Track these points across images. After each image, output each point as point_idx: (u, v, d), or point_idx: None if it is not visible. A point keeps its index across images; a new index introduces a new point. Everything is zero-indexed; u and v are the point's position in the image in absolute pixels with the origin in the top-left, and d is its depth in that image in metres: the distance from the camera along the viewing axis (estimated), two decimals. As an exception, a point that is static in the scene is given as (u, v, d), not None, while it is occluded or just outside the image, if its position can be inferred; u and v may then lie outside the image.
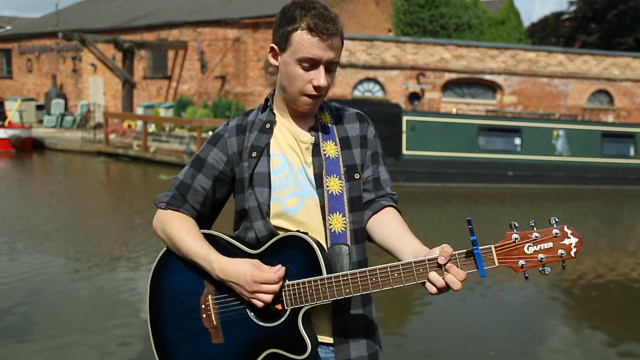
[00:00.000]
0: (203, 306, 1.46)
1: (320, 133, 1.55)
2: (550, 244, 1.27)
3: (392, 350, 4.17)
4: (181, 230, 1.49)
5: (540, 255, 1.26)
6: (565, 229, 1.27)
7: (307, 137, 1.55)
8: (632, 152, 13.65)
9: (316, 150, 1.53)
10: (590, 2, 26.47)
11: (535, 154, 13.04)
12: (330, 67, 1.45)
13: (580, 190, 12.95)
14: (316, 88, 1.45)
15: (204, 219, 1.57)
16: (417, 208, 10.15)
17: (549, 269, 1.28)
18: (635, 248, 8.17)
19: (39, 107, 22.68)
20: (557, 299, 5.62)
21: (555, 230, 1.27)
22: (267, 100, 1.60)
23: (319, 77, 1.43)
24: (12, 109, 18.33)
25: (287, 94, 1.52)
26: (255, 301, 1.38)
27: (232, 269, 1.40)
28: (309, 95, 1.46)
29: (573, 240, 1.27)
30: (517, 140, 13.08)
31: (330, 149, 1.53)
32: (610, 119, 18.66)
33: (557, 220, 1.27)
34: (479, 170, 12.73)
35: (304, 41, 1.41)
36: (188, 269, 1.47)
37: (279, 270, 1.38)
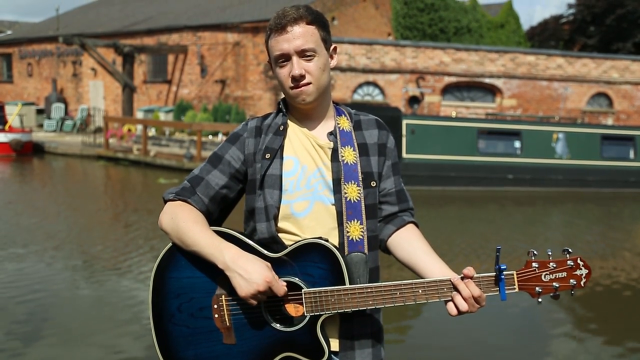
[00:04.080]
0: (215, 306, 1.44)
1: (338, 138, 1.54)
2: (564, 274, 1.38)
3: (396, 358, 4.16)
4: (189, 220, 1.45)
5: (555, 284, 1.38)
6: (578, 260, 1.38)
7: (325, 142, 1.54)
8: (631, 154, 13.67)
9: (334, 155, 1.52)
10: (589, 5, 26.55)
11: (535, 157, 13.05)
12: (305, 55, 1.46)
13: (580, 193, 12.96)
14: (294, 78, 1.46)
15: (210, 218, 1.54)
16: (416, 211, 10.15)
17: (560, 295, 1.41)
18: (636, 251, 8.17)
19: (39, 111, 22.72)
20: (560, 303, 5.61)
21: (569, 262, 1.38)
22: (279, 104, 1.61)
23: (293, 67, 1.45)
24: (12, 113, 18.36)
25: (287, 98, 1.55)
26: (251, 300, 1.37)
27: (245, 259, 1.37)
28: (293, 87, 1.48)
29: (584, 272, 1.38)
30: (517, 144, 13.10)
31: (349, 154, 1.53)
32: (609, 121, 18.68)
33: (570, 250, 1.38)
34: (479, 174, 12.74)
35: (272, 44, 1.49)
36: (197, 267, 1.46)
37: (285, 288, 1.39)
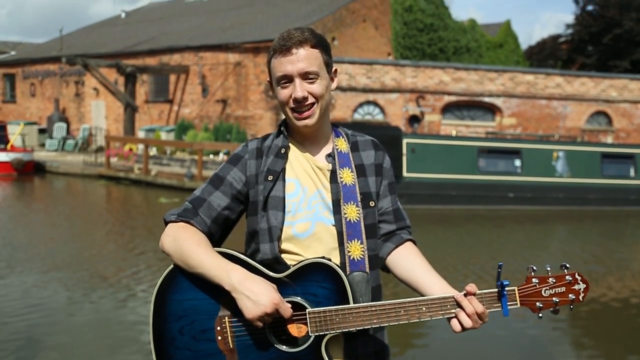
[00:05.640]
0: (218, 328, 1.43)
1: (336, 160, 1.56)
2: (563, 289, 1.42)
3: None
4: (192, 242, 1.45)
5: (555, 299, 1.41)
6: (576, 275, 1.42)
7: (324, 164, 1.57)
8: (632, 172, 13.69)
9: (333, 177, 1.54)
10: (587, 25, 26.83)
11: (535, 176, 13.06)
12: (308, 77, 1.48)
13: (580, 211, 12.94)
14: (295, 100, 1.48)
15: (212, 240, 1.54)
16: (417, 229, 10.13)
17: (559, 309, 1.44)
18: (637, 269, 8.13)
19: (42, 131, 22.84)
20: (562, 321, 5.57)
21: (567, 277, 1.41)
22: (280, 125, 1.63)
23: (295, 89, 1.47)
24: (15, 132, 18.45)
25: (287, 119, 1.57)
26: (258, 322, 1.37)
27: (251, 281, 1.37)
28: (293, 109, 1.50)
29: (582, 286, 1.42)
30: (517, 162, 13.13)
31: (347, 176, 1.55)
32: (609, 140, 18.75)
33: (567, 266, 1.41)
34: (479, 192, 12.74)
35: (275, 64, 1.50)
36: (199, 289, 1.45)
37: (291, 310, 1.39)
